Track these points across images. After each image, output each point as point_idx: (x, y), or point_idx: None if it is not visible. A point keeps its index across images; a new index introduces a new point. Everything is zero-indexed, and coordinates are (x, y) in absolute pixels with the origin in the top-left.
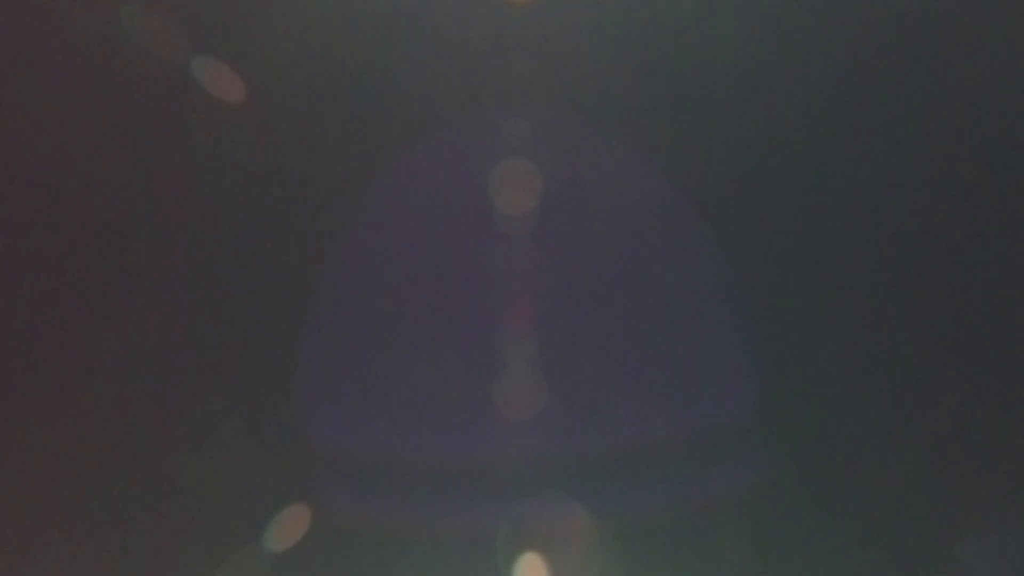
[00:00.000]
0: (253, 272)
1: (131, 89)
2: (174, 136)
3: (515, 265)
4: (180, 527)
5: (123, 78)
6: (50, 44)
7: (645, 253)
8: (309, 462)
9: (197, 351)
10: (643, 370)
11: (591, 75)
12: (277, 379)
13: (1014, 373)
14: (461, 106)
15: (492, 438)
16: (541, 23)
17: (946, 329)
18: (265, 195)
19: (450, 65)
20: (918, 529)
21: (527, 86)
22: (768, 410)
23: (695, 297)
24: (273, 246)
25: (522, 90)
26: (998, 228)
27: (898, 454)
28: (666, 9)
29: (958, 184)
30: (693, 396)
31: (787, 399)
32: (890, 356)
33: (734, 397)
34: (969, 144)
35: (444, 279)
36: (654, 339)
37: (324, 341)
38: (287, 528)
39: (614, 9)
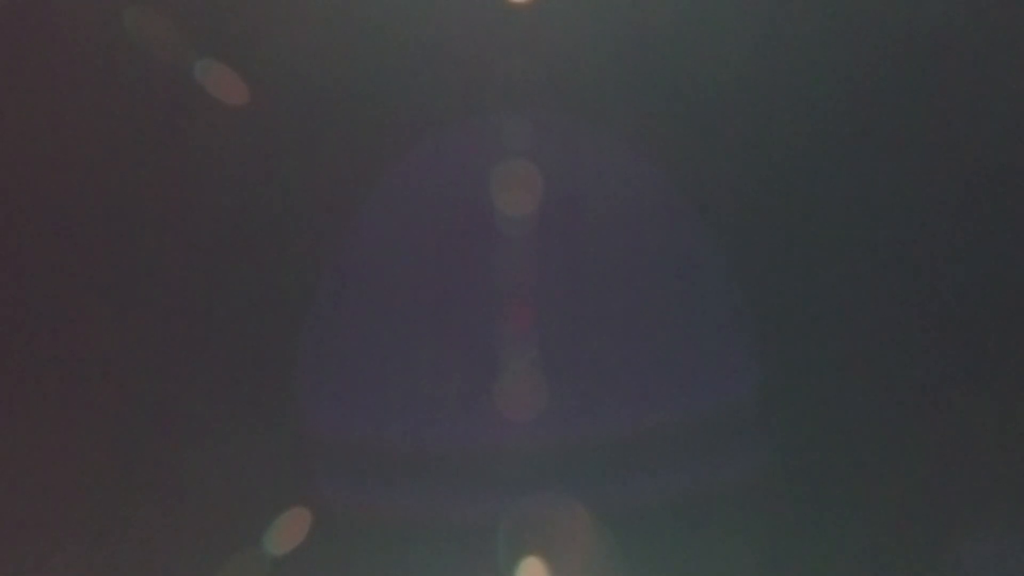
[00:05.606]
0: (254, 272)
1: (134, 91)
2: (176, 137)
3: (515, 264)
4: (182, 526)
5: (126, 80)
6: (53, 46)
7: (645, 252)
8: (311, 460)
9: (197, 351)
10: (643, 367)
11: (591, 75)
12: (278, 378)
13: (1014, 371)
14: (461, 106)
15: (493, 434)
16: (541, 23)
17: (946, 327)
18: (266, 195)
19: (450, 65)
20: (917, 526)
21: (527, 86)
22: (768, 409)
23: (695, 296)
24: (274, 246)
25: (522, 90)
26: (999, 227)
27: (898, 451)
28: (666, 9)
29: (958, 182)
30: (694, 393)
31: (788, 397)
32: (890, 354)
33: (734, 394)
34: (969, 144)
35: (445, 278)
36: (654, 337)
37: (325, 341)
38: (288, 526)
39: (614, 9)
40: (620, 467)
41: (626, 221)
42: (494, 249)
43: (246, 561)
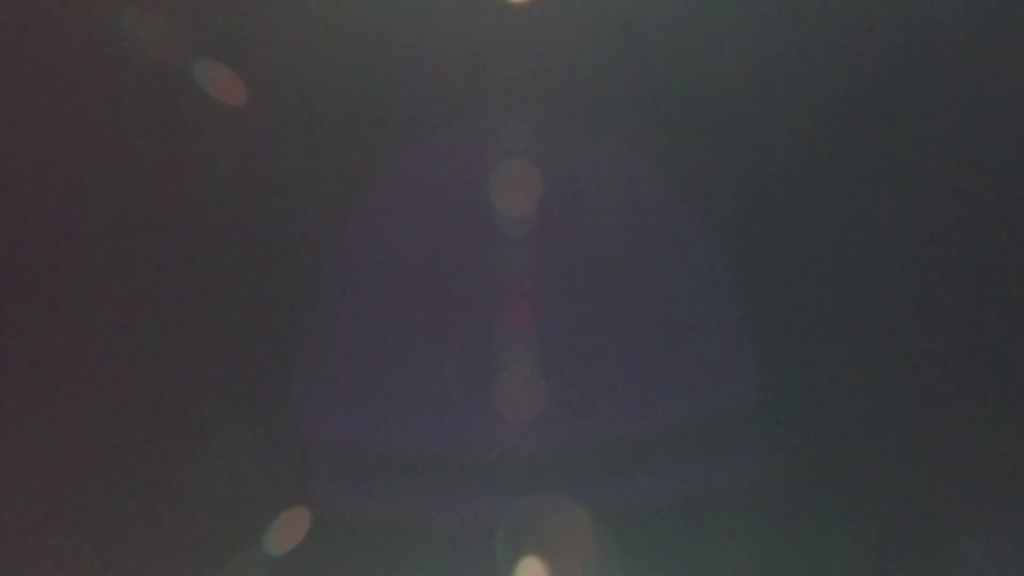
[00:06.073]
0: (253, 272)
1: (133, 91)
2: (175, 137)
3: (515, 263)
4: (182, 526)
5: (125, 80)
6: (52, 47)
7: (644, 251)
8: (311, 460)
9: (197, 351)
10: (643, 368)
11: (591, 75)
12: (277, 378)
13: (1014, 371)
14: (461, 106)
15: (492, 434)
16: (541, 23)
17: (946, 327)
18: (266, 195)
19: (450, 65)
20: (917, 526)
21: (527, 86)
22: (768, 411)
23: (694, 296)
24: (274, 246)
25: (522, 90)
26: (999, 228)
27: (897, 451)
28: (665, 10)
29: (958, 183)
30: (693, 394)
31: (787, 398)
32: (890, 355)
33: (733, 395)
34: (970, 145)
35: (444, 277)
36: (653, 336)
37: (325, 341)
38: (288, 526)
39: (613, 10)
40: (620, 468)
41: (625, 221)
42: (494, 249)
43: (246, 561)
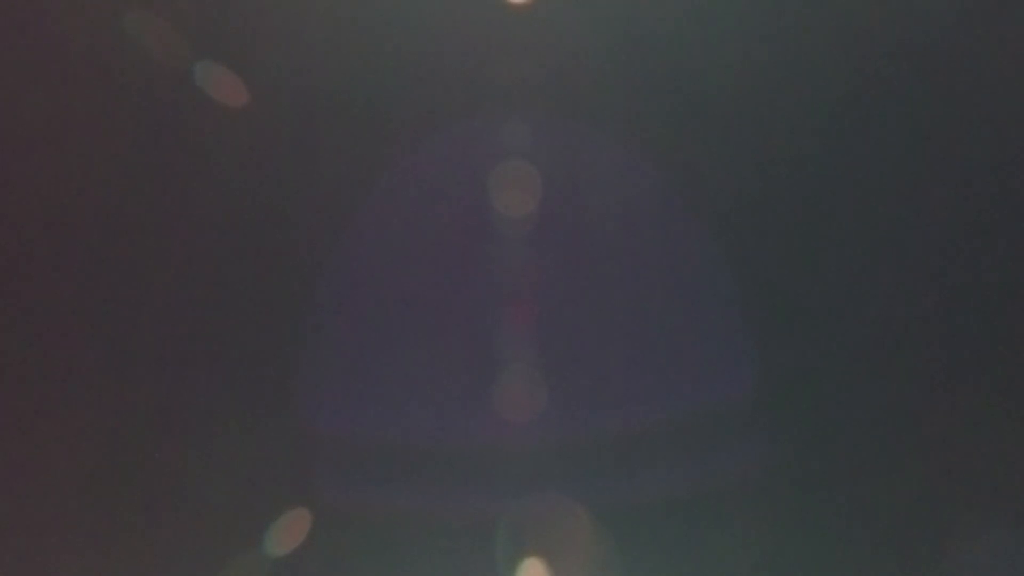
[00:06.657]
0: (254, 273)
1: (133, 93)
2: (175, 139)
3: (515, 264)
4: (182, 526)
5: (125, 82)
6: (52, 47)
7: (645, 253)
8: (311, 460)
9: (197, 350)
10: (643, 366)
11: (591, 76)
12: (278, 378)
13: (1015, 370)
14: (461, 107)
15: (493, 434)
16: (541, 23)
17: (947, 326)
18: (266, 196)
19: (450, 65)
20: (916, 524)
21: (527, 87)
22: (769, 409)
23: (695, 296)
24: (274, 246)
25: (522, 91)
26: (999, 227)
27: (898, 450)
28: (666, 10)
29: (960, 183)
30: (694, 393)
31: (788, 397)
32: (890, 354)
33: (734, 393)
34: (972, 145)
35: (444, 278)
36: (654, 337)
37: (326, 341)
38: (288, 526)
39: (614, 10)
40: (620, 467)
41: (625, 222)
42: (493, 249)
43: (246, 561)
